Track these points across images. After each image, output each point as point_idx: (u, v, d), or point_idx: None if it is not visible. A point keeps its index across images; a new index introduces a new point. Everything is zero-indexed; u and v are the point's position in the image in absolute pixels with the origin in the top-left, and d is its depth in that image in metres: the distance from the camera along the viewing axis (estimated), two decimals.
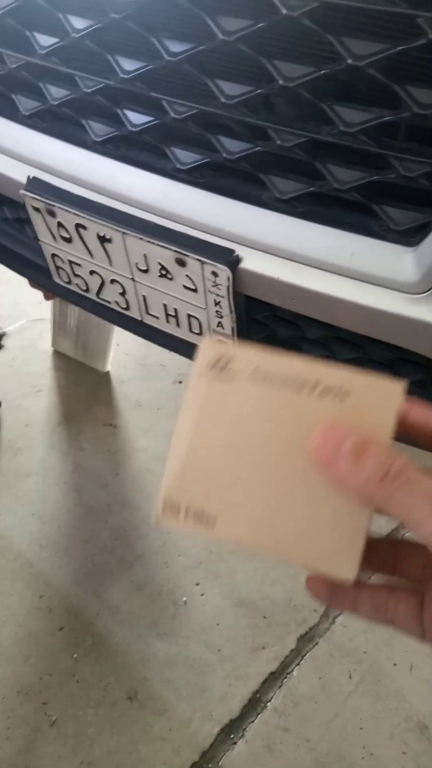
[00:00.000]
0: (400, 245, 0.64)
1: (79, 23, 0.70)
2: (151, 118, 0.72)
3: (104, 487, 1.58)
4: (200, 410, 0.32)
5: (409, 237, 0.64)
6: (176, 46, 0.63)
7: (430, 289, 0.63)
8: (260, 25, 0.56)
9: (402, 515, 0.27)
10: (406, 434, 0.33)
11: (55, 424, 1.74)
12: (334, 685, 1.25)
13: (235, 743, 1.18)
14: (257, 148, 0.66)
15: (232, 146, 0.68)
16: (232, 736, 1.19)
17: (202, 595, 1.38)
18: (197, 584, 1.40)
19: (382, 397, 0.30)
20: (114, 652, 1.29)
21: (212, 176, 0.73)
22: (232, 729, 1.19)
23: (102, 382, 1.86)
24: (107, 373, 1.89)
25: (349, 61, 0.54)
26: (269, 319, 0.81)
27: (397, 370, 0.77)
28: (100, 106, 0.76)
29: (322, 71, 0.56)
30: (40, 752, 1.17)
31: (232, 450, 0.32)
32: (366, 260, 0.65)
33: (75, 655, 1.29)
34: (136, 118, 0.73)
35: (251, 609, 1.36)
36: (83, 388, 1.84)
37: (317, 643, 1.31)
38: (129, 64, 0.68)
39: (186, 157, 0.72)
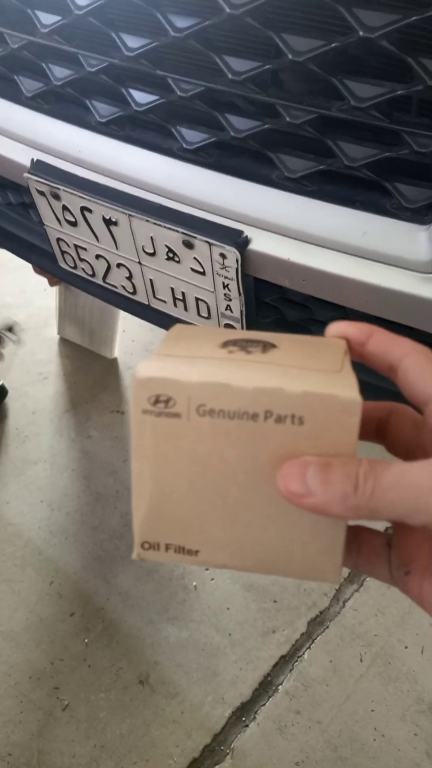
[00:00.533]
0: (413, 223, 0.63)
1: (82, 0, 0.69)
2: (156, 97, 0.70)
3: (112, 474, 1.58)
4: (152, 449, 0.30)
5: (422, 215, 0.63)
6: (182, 22, 0.62)
7: None
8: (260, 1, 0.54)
9: (395, 513, 0.26)
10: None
11: (63, 412, 1.74)
12: (345, 668, 1.25)
13: (246, 726, 1.18)
14: (266, 126, 0.65)
15: (240, 124, 0.67)
16: (243, 719, 1.19)
17: (212, 579, 1.38)
18: (207, 569, 1.40)
19: (341, 411, 0.28)
20: (125, 636, 1.30)
21: (220, 156, 0.72)
22: (244, 712, 1.20)
23: (109, 368, 1.86)
24: (114, 360, 1.88)
25: (361, 33, 0.53)
26: (279, 301, 0.80)
27: None
28: (104, 86, 0.74)
29: (333, 44, 0.55)
30: (53, 736, 1.18)
31: (196, 484, 0.30)
32: (378, 239, 0.64)
33: (86, 641, 1.29)
34: (142, 98, 0.71)
35: (261, 593, 1.36)
36: (90, 375, 1.84)
37: (328, 627, 1.31)
38: (134, 42, 0.67)
39: (193, 136, 0.71)
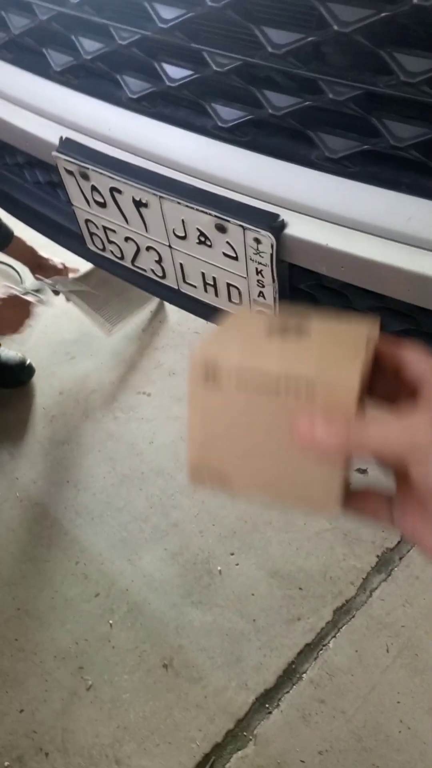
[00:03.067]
0: None
1: None
2: (191, 72, 0.67)
3: (138, 455, 1.57)
4: (201, 408, 0.40)
5: None
6: None
7: None
8: None
9: (374, 448, 0.35)
10: (381, 367, 0.42)
11: (89, 392, 1.73)
12: (370, 658, 1.24)
13: (270, 713, 1.18)
14: (306, 103, 0.61)
15: (279, 101, 0.63)
16: (267, 706, 1.19)
17: (237, 565, 1.37)
18: (232, 554, 1.39)
19: (343, 387, 0.36)
20: (149, 619, 1.30)
21: (256, 135, 0.68)
22: (267, 698, 1.20)
23: (136, 349, 1.84)
24: (142, 341, 1.86)
25: (415, 0, 0.49)
26: (314, 288, 0.76)
27: None
28: (136, 60, 0.71)
29: (382, 14, 0.51)
30: (77, 715, 1.19)
31: (232, 434, 0.40)
32: (424, 225, 0.60)
33: (110, 622, 1.30)
34: (175, 72, 0.68)
35: (286, 580, 1.34)
36: (116, 356, 1.82)
37: (354, 616, 1.29)
38: (168, 12, 0.63)
39: (228, 114, 0.67)
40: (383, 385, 0.43)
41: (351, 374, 0.37)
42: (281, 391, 0.37)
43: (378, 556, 1.38)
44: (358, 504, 0.42)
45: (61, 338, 1.89)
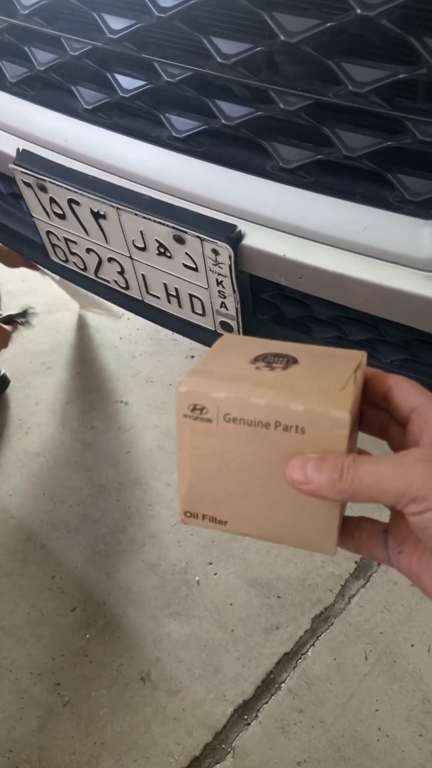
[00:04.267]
0: (417, 218, 0.59)
1: None
2: (143, 83, 0.66)
3: (115, 466, 1.56)
4: (190, 443, 0.39)
5: (426, 208, 0.58)
6: (167, 0, 0.57)
7: None
8: None
9: (369, 495, 0.34)
10: (370, 399, 0.42)
11: (66, 402, 1.71)
12: (349, 666, 1.23)
13: (248, 724, 1.17)
14: (258, 113, 0.60)
15: (232, 111, 0.62)
16: (245, 717, 1.18)
17: (215, 574, 1.36)
18: (210, 564, 1.38)
19: (335, 422, 0.35)
20: (126, 632, 1.28)
21: (212, 145, 0.68)
22: (246, 710, 1.18)
23: (113, 358, 1.83)
24: (119, 349, 1.85)
25: (359, 11, 0.48)
26: (277, 298, 0.76)
27: (414, 352, 0.72)
28: (89, 71, 0.70)
29: (328, 24, 0.50)
30: (54, 732, 1.17)
31: (223, 471, 0.39)
32: (379, 235, 0.60)
33: (87, 636, 1.28)
34: (128, 83, 0.67)
35: (265, 589, 1.34)
36: (94, 365, 1.81)
37: (332, 624, 1.28)
38: (117, 23, 0.62)
39: (182, 124, 0.66)
40: (373, 415, 0.43)
41: (342, 407, 0.35)
42: (271, 424, 0.36)
43: (356, 563, 1.37)
44: (353, 539, 0.41)
45: (37, 348, 1.87)
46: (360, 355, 0.42)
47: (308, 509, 0.38)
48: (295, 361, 0.41)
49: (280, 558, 1.38)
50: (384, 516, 0.42)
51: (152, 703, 1.20)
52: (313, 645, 1.26)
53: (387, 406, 0.41)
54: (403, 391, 0.40)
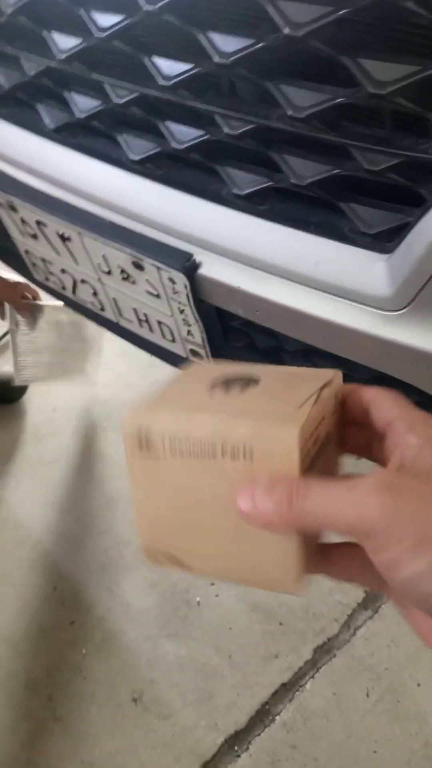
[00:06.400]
0: (373, 251, 0.53)
1: None
2: (98, 103, 0.63)
3: (126, 477, 1.54)
4: (142, 482, 0.36)
5: (382, 242, 0.53)
6: (106, 20, 0.54)
7: (407, 306, 0.52)
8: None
9: (318, 523, 0.30)
10: (351, 416, 0.38)
11: (82, 410, 1.71)
12: (349, 701, 1.17)
13: (238, 756, 1.13)
14: (206, 137, 0.56)
15: (182, 134, 0.58)
16: (236, 748, 1.14)
17: (217, 596, 1.32)
18: (212, 584, 1.34)
19: (283, 441, 0.32)
20: (122, 650, 1.27)
21: (170, 168, 0.64)
22: (237, 740, 1.14)
23: (132, 366, 1.81)
24: (139, 358, 1.83)
25: (285, 31, 0.43)
26: (246, 326, 0.71)
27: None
28: (50, 90, 0.67)
29: (259, 45, 0.46)
30: (43, 748, 1.17)
31: (178, 510, 0.36)
32: (333, 269, 0.55)
33: (84, 651, 1.27)
34: (84, 104, 0.64)
35: (267, 614, 1.29)
36: (112, 373, 1.80)
37: (335, 656, 1.23)
38: (65, 42, 0.59)
39: (138, 146, 0.63)
40: (356, 434, 0.39)
41: (291, 423, 0.32)
42: (217, 452, 0.33)
43: (366, 592, 1.31)
44: (344, 567, 0.37)
45: None
46: (332, 374, 0.39)
47: (265, 545, 0.34)
48: (255, 382, 0.38)
49: None
50: None
51: (143, 726, 1.17)
52: (312, 677, 1.20)
53: (369, 421, 0.37)
54: (380, 403, 0.36)
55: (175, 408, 0.36)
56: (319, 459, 0.35)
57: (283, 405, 0.34)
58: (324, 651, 1.24)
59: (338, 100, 0.45)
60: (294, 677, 1.21)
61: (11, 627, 1.32)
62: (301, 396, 0.35)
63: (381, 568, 0.30)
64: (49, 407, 1.72)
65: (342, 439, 0.39)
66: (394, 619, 1.26)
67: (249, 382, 0.38)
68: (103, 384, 1.77)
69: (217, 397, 0.36)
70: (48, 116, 0.69)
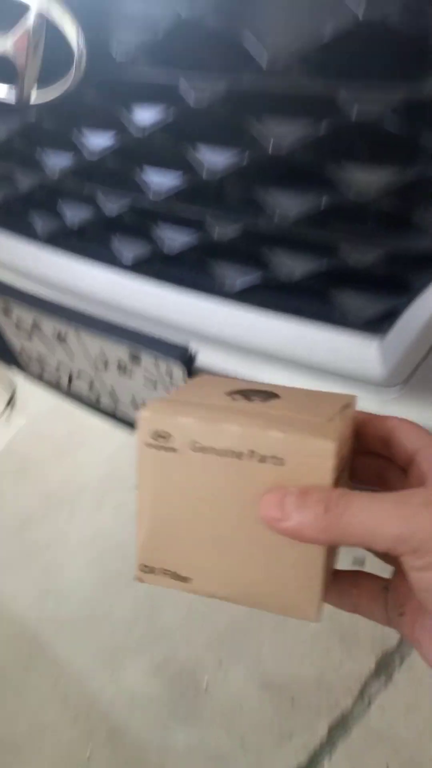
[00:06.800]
0: (366, 334, 0.56)
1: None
2: (89, 213, 0.66)
3: (126, 554, 1.52)
4: (152, 479, 0.33)
5: (374, 325, 0.56)
6: (97, 140, 0.58)
7: (401, 384, 0.55)
8: (168, 119, 0.50)
9: (360, 536, 0.29)
10: (366, 445, 0.37)
11: (79, 490, 1.70)
12: None
13: None
14: (197, 240, 0.60)
15: (173, 239, 0.62)
16: None
17: (225, 674, 1.29)
18: (220, 662, 1.31)
19: (316, 454, 0.30)
20: (130, 743, 1.22)
21: (163, 265, 0.67)
22: None
23: (126, 444, 1.82)
24: (131, 437, 1.84)
25: (270, 150, 0.47)
26: None
27: None
28: (44, 201, 0.71)
29: (244, 162, 0.50)
30: None
31: (190, 515, 0.33)
32: (328, 352, 0.57)
33: (90, 748, 1.22)
34: (75, 214, 0.68)
35: (278, 691, 1.26)
36: (109, 449, 1.80)
37: (351, 730, 1.19)
38: (57, 160, 0.63)
39: (130, 250, 0.66)
40: (367, 464, 0.38)
41: (327, 435, 0.30)
42: (244, 452, 0.31)
43: (377, 658, 1.28)
44: (350, 596, 0.36)
45: (51, 434, 1.88)
46: (349, 397, 0.38)
47: (287, 561, 0.32)
48: (276, 396, 0.36)
49: (295, 654, 1.31)
50: (385, 571, 0.37)
51: None
52: (329, 756, 1.17)
53: (387, 450, 0.36)
54: (406, 432, 0.36)
55: (200, 406, 0.34)
56: (341, 479, 0.33)
57: (313, 416, 0.33)
58: (339, 726, 1.20)
59: (323, 206, 0.49)
60: (310, 757, 1.17)
61: (11, 728, 1.26)
62: (327, 411, 0.34)
63: (423, 585, 0.29)
64: (43, 493, 1.71)
65: (351, 468, 0.38)
66: (408, 686, 1.24)
67: (270, 395, 0.36)
68: (99, 461, 1.76)
69: (240, 403, 0.35)
70: (41, 225, 0.73)
